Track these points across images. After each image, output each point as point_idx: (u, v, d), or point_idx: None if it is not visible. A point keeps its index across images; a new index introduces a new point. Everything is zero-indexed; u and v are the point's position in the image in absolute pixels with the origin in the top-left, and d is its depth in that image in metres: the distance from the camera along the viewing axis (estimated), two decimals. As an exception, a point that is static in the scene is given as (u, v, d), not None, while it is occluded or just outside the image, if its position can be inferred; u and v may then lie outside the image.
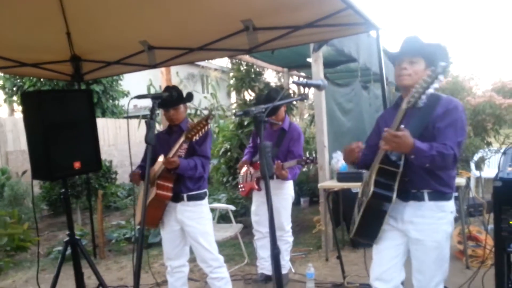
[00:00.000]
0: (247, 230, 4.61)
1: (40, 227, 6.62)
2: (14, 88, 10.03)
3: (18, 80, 9.83)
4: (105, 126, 9.30)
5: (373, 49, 5.98)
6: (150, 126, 2.11)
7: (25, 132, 2.87)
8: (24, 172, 7.24)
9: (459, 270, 3.62)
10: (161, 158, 2.87)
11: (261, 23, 3.22)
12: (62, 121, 2.82)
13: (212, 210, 4.66)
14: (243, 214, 5.55)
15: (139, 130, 8.57)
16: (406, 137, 1.82)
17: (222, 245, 4.64)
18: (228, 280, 3.00)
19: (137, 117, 9.85)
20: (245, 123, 5.30)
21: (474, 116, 7.35)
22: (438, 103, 2.03)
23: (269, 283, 3.76)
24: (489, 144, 7.07)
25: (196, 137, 2.59)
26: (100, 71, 4.25)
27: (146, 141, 2.10)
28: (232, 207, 4.38)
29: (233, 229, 4.21)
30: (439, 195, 2.07)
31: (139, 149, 3.84)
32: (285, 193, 3.75)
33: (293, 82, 2.32)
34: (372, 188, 2.00)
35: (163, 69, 4.91)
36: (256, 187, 3.68)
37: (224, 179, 5.74)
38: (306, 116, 9.39)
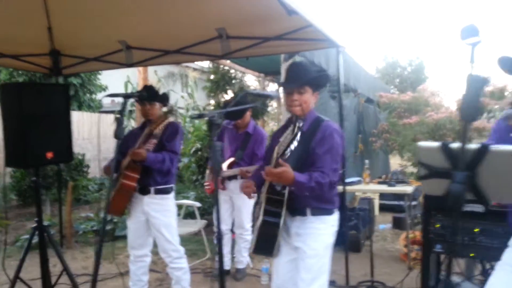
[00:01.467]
0: (212, 228, 4.82)
1: (9, 217, 6.64)
2: (-11, 77, 9.94)
3: (-6, 69, 9.76)
4: (81, 120, 9.35)
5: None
6: (119, 122, 2.31)
7: (1, 121, 3.01)
8: (-6, 161, 7.24)
9: (402, 270, 3.95)
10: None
11: (234, 32, 3.45)
12: (38, 113, 2.96)
13: (180, 206, 4.86)
14: (210, 212, 5.76)
15: (113, 125, 8.67)
16: (286, 173, 1.98)
17: (187, 240, 4.83)
18: (187, 271, 3.20)
19: (113, 112, 9.93)
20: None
21: (436, 131, 7.78)
22: (319, 128, 2.21)
23: (226, 277, 3.99)
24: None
25: (157, 130, 2.80)
26: (78, 66, 4.38)
27: (115, 136, 2.30)
28: (198, 204, 4.58)
29: (197, 225, 4.41)
30: (321, 211, 2.26)
31: (113, 144, 4.00)
32: (247, 193, 3.99)
33: (247, 92, 2.55)
34: (261, 217, 2.20)
35: (140, 68, 5.08)
36: (221, 186, 3.91)
37: (194, 177, 5.94)
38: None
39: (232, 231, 4.11)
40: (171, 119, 3.20)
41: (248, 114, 3.91)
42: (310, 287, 2.20)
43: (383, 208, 7.23)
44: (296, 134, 2.05)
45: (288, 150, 2.10)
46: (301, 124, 2.05)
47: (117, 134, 2.31)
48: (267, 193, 2.22)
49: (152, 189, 3.07)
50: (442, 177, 1.42)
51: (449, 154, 1.43)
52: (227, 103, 4.14)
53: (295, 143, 2.09)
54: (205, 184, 4.12)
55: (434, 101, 9.07)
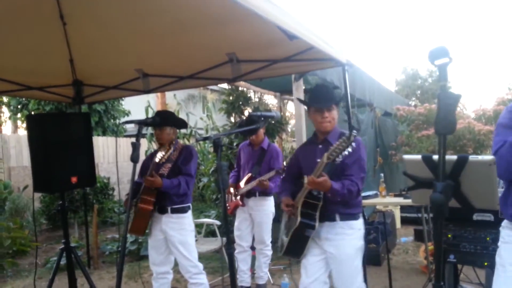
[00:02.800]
0: (233, 245, 4.91)
1: (39, 240, 6.91)
2: (19, 106, 10.45)
3: (23, 98, 10.27)
4: (105, 145, 9.69)
5: (356, 76, 6.41)
6: (135, 147, 2.47)
7: (28, 149, 3.25)
8: (25, 187, 7.58)
9: (422, 282, 3.93)
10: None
11: (244, 56, 3.60)
12: (62, 140, 3.19)
13: (201, 225, 4.99)
14: (231, 230, 5.85)
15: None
16: (326, 182, 2.29)
17: (209, 258, 4.94)
18: (207, 287, 3.30)
19: (142, 134, 10.23)
20: (234, 144, 5.66)
21: (456, 141, 7.69)
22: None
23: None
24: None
25: (172, 155, 2.95)
26: (99, 94, 4.62)
27: (132, 160, 2.46)
28: (217, 222, 4.69)
29: (217, 242, 4.51)
30: (348, 216, 2.50)
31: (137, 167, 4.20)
32: (266, 209, 4.10)
33: (250, 114, 2.71)
34: (299, 218, 2.43)
35: (158, 93, 5.30)
36: (240, 203, 4.04)
37: (214, 196, 6.07)
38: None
39: (252, 247, 4.20)
40: (191, 141, 3.37)
41: (261, 131, 4.07)
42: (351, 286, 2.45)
43: (405, 221, 7.15)
44: (344, 149, 2.24)
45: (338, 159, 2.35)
46: (351, 139, 2.24)
47: (133, 158, 2.46)
48: (304, 197, 2.45)
49: (169, 208, 3.21)
50: (427, 187, 1.49)
51: (431, 165, 1.51)
52: (241, 122, 4.30)
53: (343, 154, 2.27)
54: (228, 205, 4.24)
55: (456, 108, 9.00)
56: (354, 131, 2.17)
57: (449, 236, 2.78)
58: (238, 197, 4.08)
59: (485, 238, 2.74)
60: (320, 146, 2.57)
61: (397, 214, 6.93)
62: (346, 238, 2.46)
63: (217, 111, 7.74)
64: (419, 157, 1.60)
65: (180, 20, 2.93)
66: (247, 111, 6.37)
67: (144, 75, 4.08)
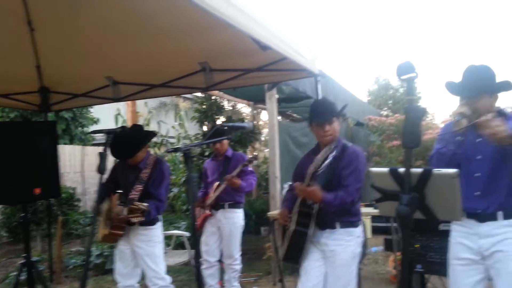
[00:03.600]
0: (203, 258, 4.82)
1: (-1, 254, 6.61)
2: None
3: (-15, 106, 9.85)
4: (72, 153, 9.39)
5: (328, 86, 6.50)
6: (102, 157, 2.39)
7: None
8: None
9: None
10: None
11: (217, 65, 3.58)
12: (26, 150, 3.06)
13: (170, 236, 4.89)
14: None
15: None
16: (315, 191, 2.40)
17: (178, 271, 4.83)
18: (174, 300, 3.22)
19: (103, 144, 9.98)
20: (206, 153, 5.61)
21: (425, 152, 7.90)
22: (346, 152, 2.53)
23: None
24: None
25: (144, 174, 2.91)
26: (67, 102, 4.48)
27: (98, 171, 2.37)
28: (187, 234, 4.61)
29: (187, 255, 4.43)
30: (348, 224, 2.58)
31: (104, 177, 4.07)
32: (236, 222, 4.04)
33: (221, 125, 2.71)
34: (294, 227, 2.54)
35: (129, 101, 5.19)
36: (209, 212, 3.98)
37: (184, 207, 5.97)
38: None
39: (220, 260, 4.13)
40: (162, 149, 3.29)
41: (226, 141, 4.03)
42: None
43: (376, 231, 7.24)
44: (327, 157, 2.44)
45: (320, 169, 2.49)
46: (333, 147, 2.50)
47: (100, 169, 2.38)
48: (299, 207, 2.56)
49: None
50: (394, 200, 1.51)
51: (397, 178, 1.54)
52: (208, 133, 4.27)
53: (326, 163, 2.48)
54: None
55: (422, 122, 9.24)
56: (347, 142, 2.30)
57: (417, 246, 2.82)
58: (207, 210, 4.01)
59: (451, 248, 2.80)
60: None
61: (368, 224, 7.01)
62: (344, 244, 2.54)
63: (189, 119, 7.68)
64: (386, 170, 1.63)
65: (152, 28, 2.89)
66: (220, 120, 6.34)
67: (114, 83, 4.00)
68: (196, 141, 6.11)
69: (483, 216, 2.15)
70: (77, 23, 2.86)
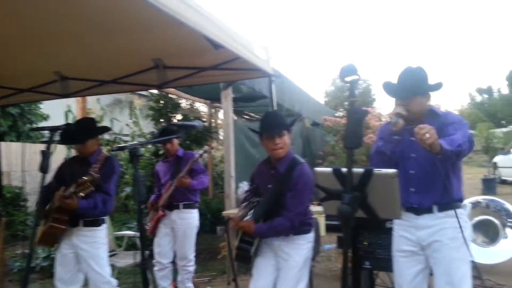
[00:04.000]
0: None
1: None
2: None
3: None
4: (19, 151, 8.91)
5: (285, 87, 6.57)
6: (45, 156, 2.28)
7: None
8: None
9: (341, 289, 4.08)
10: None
11: (171, 63, 3.52)
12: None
13: (122, 237, 4.76)
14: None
15: (53, 156, 8.32)
16: (248, 227, 2.54)
17: (129, 273, 4.71)
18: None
19: (53, 142, 9.56)
20: (160, 152, 5.50)
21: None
22: (294, 171, 2.56)
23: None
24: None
25: (93, 170, 2.77)
26: (12, 97, 4.24)
27: (41, 169, 2.26)
28: (139, 234, 4.49)
29: (139, 256, 4.32)
30: (301, 231, 2.64)
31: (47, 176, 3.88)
32: (190, 222, 3.98)
33: (170, 124, 2.68)
34: (237, 243, 2.64)
35: (79, 97, 5.00)
36: (161, 213, 3.90)
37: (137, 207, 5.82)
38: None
39: (173, 262, 4.06)
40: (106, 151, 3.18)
41: (176, 141, 3.97)
42: None
43: (330, 229, 7.38)
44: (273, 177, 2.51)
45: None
46: (277, 167, 2.55)
47: (43, 168, 2.28)
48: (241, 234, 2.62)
49: (81, 221, 3.00)
50: (337, 199, 1.56)
51: (340, 177, 1.58)
52: (158, 132, 4.19)
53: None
54: (146, 224, 4.06)
55: (374, 123, 9.57)
56: (298, 158, 2.54)
57: (365, 243, 2.91)
58: (160, 211, 3.93)
59: (397, 245, 2.90)
60: (272, 171, 2.65)
61: (322, 222, 7.13)
62: (298, 248, 2.61)
63: (144, 117, 7.52)
64: (329, 170, 1.68)
65: (103, 23, 2.79)
66: (175, 119, 6.24)
67: (62, 78, 3.84)
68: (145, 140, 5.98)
69: (420, 209, 2.27)
70: (24, 15, 2.71)
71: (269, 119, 2.73)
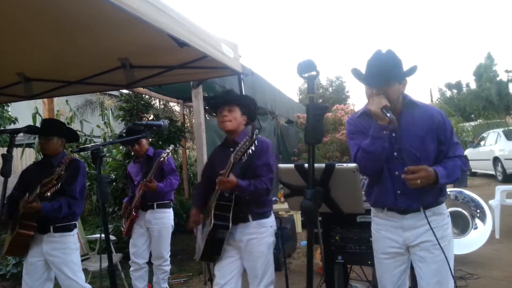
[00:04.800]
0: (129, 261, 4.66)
1: None
2: None
3: None
4: (-14, 156, 8.62)
5: (256, 85, 6.57)
6: (6, 160, 2.20)
7: None
8: None
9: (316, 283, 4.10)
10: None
11: (138, 62, 3.46)
12: None
13: (95, 240, 4.66)
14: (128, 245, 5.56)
15: (21, 159, 8.08)
16: (231, 179, 2.40)
17: (103, 276, 4.60)
18: (96, 309, 3.06)
19: (30, 145, 9.27)
20: (132, 153, 5.41)
21: (350, 147, 8.30)
22: (257, 145, 2.46)
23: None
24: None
25: (57, 171, 2.69)
26: (-29, 100, 4.11)
27: (2, 174, 2.19)
28: (113, 238, 4.42)
29: (113, 258, 4.25)
30: (260, 215, 2.63)
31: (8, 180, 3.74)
32: (165, 222, 3.94)
33: (135, 123, 2.64)
34: (212, 221, 2.48)
35: (45, 99, 4.86)
36: (134, 214, 3.84)
37: (110, 209, 5.73)
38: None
39: (149, 263, 4.01)
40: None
41: (144, 141, 3.93)
42: (262, 282, 2.58)
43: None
44: (246, 152, 2.31)
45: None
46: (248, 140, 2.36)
47: (4, 172, 2.20)
48: (216, 200, 2.52)
49: (51, 227, 2.92)
50: (300, 195, 1.56)
51: (303, 173, 1.58)
52: (125, 131, 4.10)
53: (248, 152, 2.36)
54: (122, 227, 4.01)
55: (323, 119, 9.71)
56: (256, 131, 2.25)
57: (337, 238, 2.93)
58: (133, 211, 3.87)
59: (368, 239, 2.92)
60: (231, 149, 2.57)
61: (298, 219, 7.20)
62: (259, 237, 2.58)
63: (114, 118, 7.38)
64: (291, 166, 1.67)
65: (67, 23, 2.72)
66: (146, 119, 6.15)
67: (26, 79, 3.72)
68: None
69: (406, 210, 2.14)
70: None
71: (220, 94, 2.77)
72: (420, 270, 2.16)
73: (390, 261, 2.23)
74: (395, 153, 2.10)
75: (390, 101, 2.00)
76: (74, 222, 3.04)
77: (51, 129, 2.94)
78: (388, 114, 1.93)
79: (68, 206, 2.90)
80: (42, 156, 3.19)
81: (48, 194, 2.69)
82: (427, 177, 1.92)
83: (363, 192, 2.20)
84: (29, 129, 2.72)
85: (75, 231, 3.06)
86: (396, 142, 2.10)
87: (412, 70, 2.07)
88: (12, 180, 2.53)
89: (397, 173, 2.09)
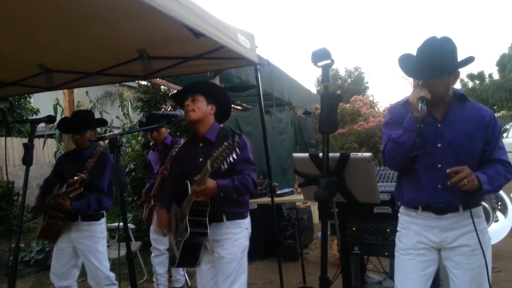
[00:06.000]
0: (149, 249, 4.73)
1: None
2: None
3: None
4: (10, 146, 8.86)
5: (274, 76, 6.53)
6: (27, 148, 2.26)
7: None
8: None
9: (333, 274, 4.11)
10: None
11: (155, 53, 3.48)
12: None
13: (115, 229, 4.76)
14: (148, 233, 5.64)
15: (43, 150, 8.28)
16: (211, 185, 2.18)
17: (123, 264, 4.71)
18: (118, 297, 3.13)
19: (51, 135, 9.48)
20: (151, 143, 5.48)
21: (368, 139, 8.19)
22: (228, 135, 2.32)
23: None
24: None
25: (88, 164, 2.77)
26: (-4, 91, 4.21)
27: (24, 162, 2.25)
28: (131, 226, 4.51)
29: (133, 246, 4.33)
30: (235, 215, 2.44)
31: (48, 170, 3.85)
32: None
33: (151, 113, 2.62)
34: (189, 229, 2.26)
35: (65, 90, 4.95)
36: (153, 202, 3.92)
37: (130, 199, 5.83)
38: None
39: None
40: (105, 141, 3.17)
41: (163, 129, 3.98)
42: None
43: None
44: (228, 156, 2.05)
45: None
46: (205, 136, 2.27)
47: (26, 161, 2.26)
48: (191, 206, 2.28)
49: (79, 216, 3.00)
50: (315, 184, 1.55)
51: (317, 163, 1.57)
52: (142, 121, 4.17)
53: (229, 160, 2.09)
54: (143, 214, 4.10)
55: (366, 111, 9.56)
56: (236, 136, 2.06)
57: (353, 229, 2.93)
58: (152, 200, 3.95)
59: (385, 230, 2.93)
60: (201, 144, 2.48)
61: (315, 209, 7.18)
62: (233, 238, 2.40)
63: (133, 109, 7.47)
64: (306, 155, 1.66)
65: (86, 14, 2.75)
66: (164, 109, 6.20)
67: (46, 71, 3.80)
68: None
69: (444, 208, 1.98)
70: (5, 8, 2.66)
71: (195, 83, 2.60)
72: (455, 277, 1.99)
73: (418, 260, 2.02)
74: (439, 145, 1.97)
75: (437, 93, 1.89)
76: (102, 212, 3.12)
77: (83, 124, 3.01)
78: (421, 105, 1.82)
79: (97, 201, 2.98)
80: (63, 147, 3.28)
81: (71, 195, 2.75)
82: (471, 176, 1.80)
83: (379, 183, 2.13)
84: (49, 119, 2.78)
85: (103, 220, 3.14)
86: (441, 135, 1.98)
87: (467, 61, 1.89)
88: (34, 169, 2.62)
89: (439, 165, 1.95)
